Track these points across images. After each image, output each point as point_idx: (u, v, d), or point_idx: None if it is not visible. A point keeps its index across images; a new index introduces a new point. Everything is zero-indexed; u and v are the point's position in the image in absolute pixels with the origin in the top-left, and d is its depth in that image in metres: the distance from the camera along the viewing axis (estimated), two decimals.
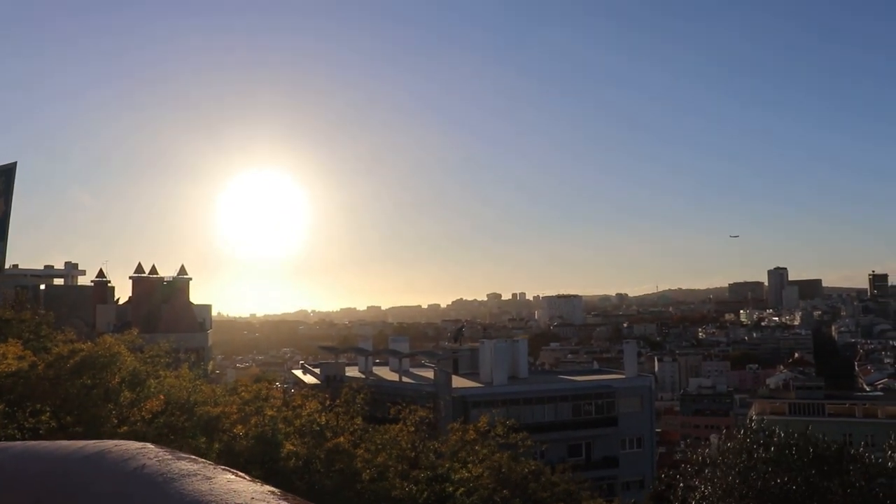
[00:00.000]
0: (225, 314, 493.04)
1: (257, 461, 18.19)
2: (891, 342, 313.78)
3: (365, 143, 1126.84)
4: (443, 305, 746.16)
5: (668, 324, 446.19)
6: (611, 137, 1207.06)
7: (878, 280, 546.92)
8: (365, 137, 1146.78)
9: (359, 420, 23.55)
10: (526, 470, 26.05)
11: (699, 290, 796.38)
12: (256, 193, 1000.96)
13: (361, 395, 24.22)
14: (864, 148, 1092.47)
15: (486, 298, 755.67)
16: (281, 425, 20.26)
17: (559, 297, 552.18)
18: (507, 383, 68.60)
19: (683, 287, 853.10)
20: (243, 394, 21.61)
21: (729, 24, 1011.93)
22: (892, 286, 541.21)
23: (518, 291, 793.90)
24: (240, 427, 19.35)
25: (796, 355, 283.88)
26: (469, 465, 23.48)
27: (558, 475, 31.01)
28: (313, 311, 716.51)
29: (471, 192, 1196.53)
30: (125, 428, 16.24)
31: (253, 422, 19.81)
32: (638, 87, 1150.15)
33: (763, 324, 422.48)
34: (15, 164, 47.90)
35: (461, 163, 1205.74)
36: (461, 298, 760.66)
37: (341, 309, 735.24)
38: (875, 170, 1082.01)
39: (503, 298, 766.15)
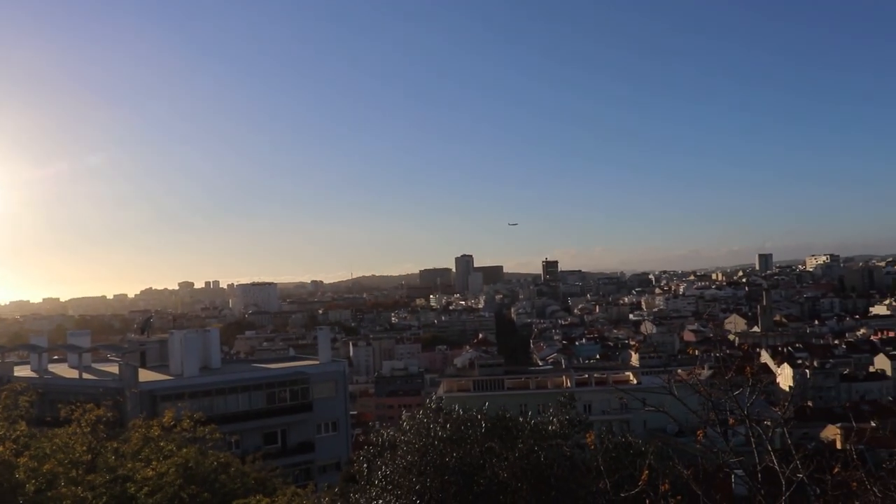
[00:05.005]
0: None
1: None
2: (559, 321, 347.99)
3: (34, 119, 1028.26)
4: (130, 295, 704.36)
5: (362, 309, 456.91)
6: (306, 125, 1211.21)
7: (549, 266, 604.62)
8: (33, 113, 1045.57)
9: (23, 425, 21.22)
10: (215, 463, 25.12)
11: (392, 277, 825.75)
12: None
13: (26, 397, 21.87)
14: (544, 150, 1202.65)
15: (177, 287, 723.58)
16: None
17: (254, 284, 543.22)
18: (198, 374, 66.06)
19: (377, 274, 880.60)
20: None
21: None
22: (562, 271, 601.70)
23: (211, 280, 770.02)
24: None
25: (481, 336, 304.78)
26: (154, 463, 22.13)
27: (249, 465, 30.47)
28: None
29: (159, 175, 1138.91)
30: None
31: None
32: (337, 80, 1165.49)
33: (451, 307, 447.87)
34: None
35: (147, 146, 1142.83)
36: (150, 288, 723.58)
37: (11, 302, 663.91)
38: (549, 169, 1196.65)
39: (196, 287, 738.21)
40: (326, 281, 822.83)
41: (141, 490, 20.42)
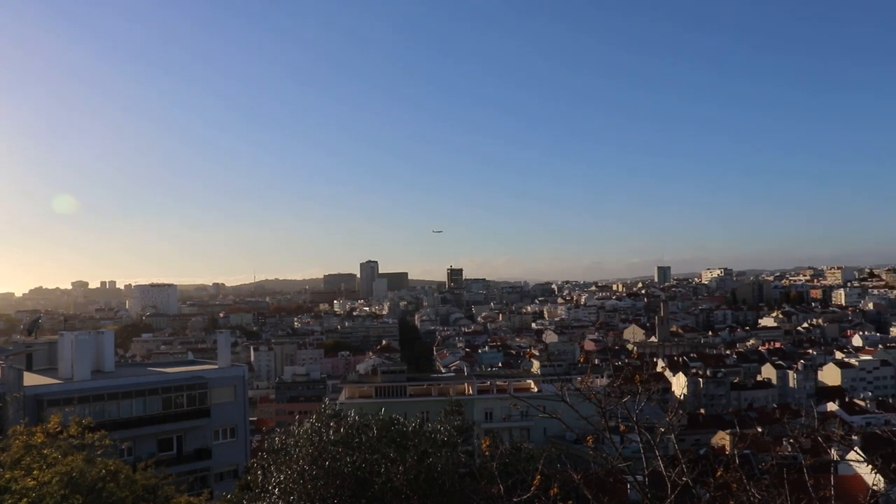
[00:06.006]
0: None
1: None
2: (463, 329, 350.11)
3: None
4: (18, 294, 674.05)
5: (265, 313, 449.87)
6: (208, 125, 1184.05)
7: (454, 274, 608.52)
8: None
9: None
10: (103, 471, 24.12)
11: (296, 281, 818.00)
12: None
13: None
14: (451, 160, 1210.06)
15: (70, 287, 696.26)
16: None
17: (153, 285, 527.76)
18: (89, 378, 63.47)
19: (281, 277, 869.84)
20: None
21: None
22: (466, 280, 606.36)
23: (107, 280, 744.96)
24: None
25: (384, 342, 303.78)
26: (35, 472, 21.09)
27: (140, 472, 29.43)
28: None
29: (52, 172, 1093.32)
30: None
31: None
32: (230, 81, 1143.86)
33: (355, 313, 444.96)
34: None
35: (36, 141, 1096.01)
36: (41, 287, 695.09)
37: None
38: (456, 179, 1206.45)
39: (91, 287, 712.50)
40: (228, 283, 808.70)
41: (20, 501, 19.44)
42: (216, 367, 74.64)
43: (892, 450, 11.57)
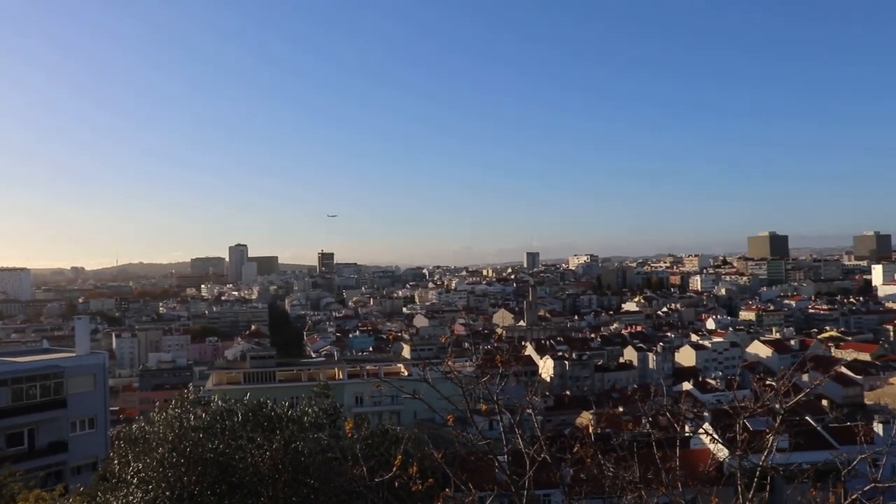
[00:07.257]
0: None
1: None
2: (334, 313, 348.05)
3: None
4: None
5: (128, 299, 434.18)
6: (65, 109, 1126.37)
7: (325, 258, 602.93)
8: None
9: None
10: None
11: (161, 265, 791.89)
12: None
13: None
14: (323, 146, 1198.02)
15: None
16: None
17: (3, 270, 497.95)
18: None
19: (145, 261, 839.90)
20: None
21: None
22: (338, 264, 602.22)
23: None
24: None
25: (253, 327, 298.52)
26: None
27: None
28: None
29: None
30: None
31: None
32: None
33: (223, 298, 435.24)
34: None
35: None
36: None
37: None
38: (328, 165, 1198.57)
39: None
40: (88, 268, 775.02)
41: None
42: (74, 355, 71.44)
43: (731, 423, 12.40)
